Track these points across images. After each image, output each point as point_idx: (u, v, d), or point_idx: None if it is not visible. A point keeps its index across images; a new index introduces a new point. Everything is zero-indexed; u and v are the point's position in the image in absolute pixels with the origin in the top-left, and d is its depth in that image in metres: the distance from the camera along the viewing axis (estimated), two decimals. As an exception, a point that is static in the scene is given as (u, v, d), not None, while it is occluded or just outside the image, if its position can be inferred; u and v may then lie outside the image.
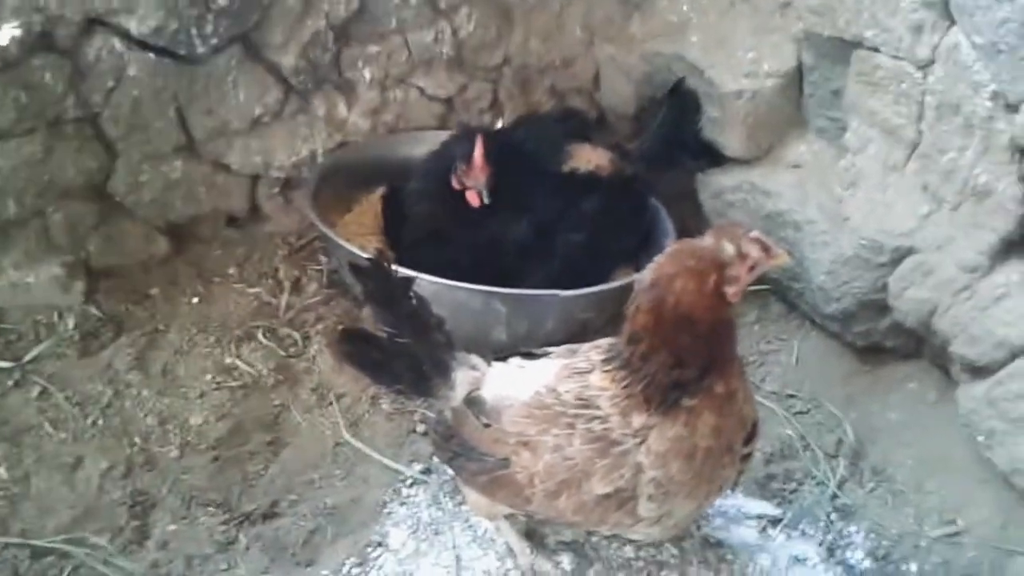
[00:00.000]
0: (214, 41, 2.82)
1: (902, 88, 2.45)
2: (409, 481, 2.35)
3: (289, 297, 2.91)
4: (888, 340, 2.64)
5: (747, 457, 1.98)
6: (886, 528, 2.30)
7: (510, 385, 1.97)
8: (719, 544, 2.22)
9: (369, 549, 2.17)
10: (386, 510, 2.27)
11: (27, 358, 2.54)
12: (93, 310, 2.72)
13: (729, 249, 1.77)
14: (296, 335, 2.77)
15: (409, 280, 2.01)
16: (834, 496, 2.38)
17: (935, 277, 2.38)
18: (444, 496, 2.31)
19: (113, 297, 2.79)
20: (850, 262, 2.57)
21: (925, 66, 2.38)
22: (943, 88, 2.33)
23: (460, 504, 2.28)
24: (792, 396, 2.68)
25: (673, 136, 3.06)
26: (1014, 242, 2.23)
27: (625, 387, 1.82)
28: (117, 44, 2.70)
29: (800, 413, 2.62)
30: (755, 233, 1.83)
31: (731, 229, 1.82)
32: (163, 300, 2.84)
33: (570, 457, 1.83)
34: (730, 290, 1.78)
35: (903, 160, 2.51)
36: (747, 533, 2.26)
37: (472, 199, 2.80)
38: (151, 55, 2.76)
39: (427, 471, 2.38)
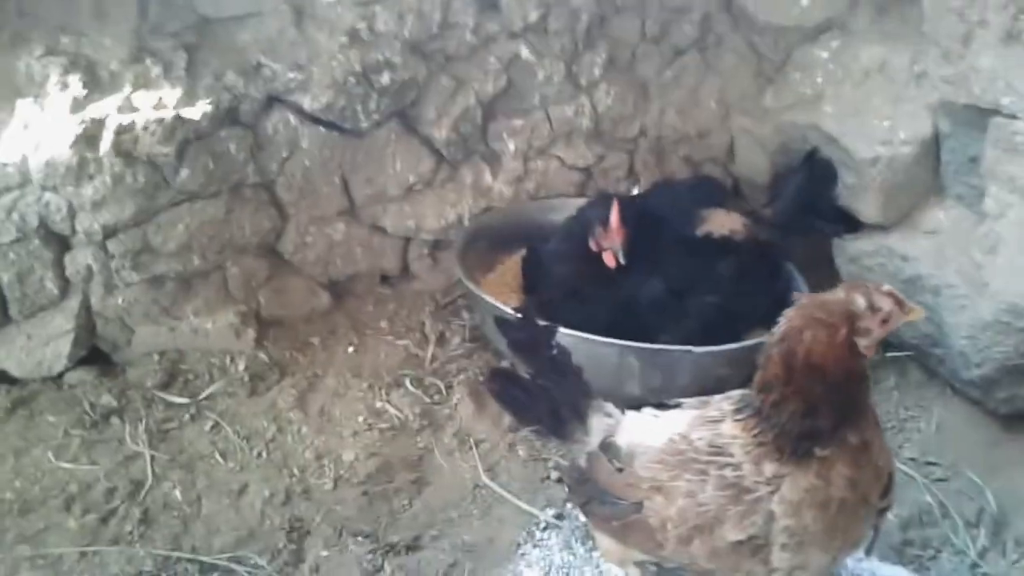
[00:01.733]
0: (376, 116, 3.12)
1: (1041, 153, 2.46)
2: (543, 525, 2.46)
3: (434, 349, 3.10)
4: (1032, 407, 2.59)
5: (883, 512, 1.99)
6: (1029, 602, 2.24)
7: (644, 432, 2.05)
8: (849, 606, 2.22)
9: (503, 586, 2.28)
10: (520, 551, 2.38)
11: (202, 395, 2.82)
12: (262, 355, 2.99)
13: (860, 301, 1.81)
14: (440, 384, 2.94)
15: (552, 329, 2.16)
16: (974, 565, 2.33)
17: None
18: (576, 541, 2.40)
19: (279, 344, 3.06)
20: (991, 327, 2.55)
21: (1063, 130, 2.39)
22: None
23: (591, 550, 2.36)
24: (931, 464, 2.64)
25: (808, 202, 3.13)
26: None
27: (756, 435, 1.88)
28: (292, 119, 3.02)
29: (939, 480, 2.59)
30: (888, 287, 1.87)
31: (863, 283, 1.87)
32: (322, 348, 3.09)
33: (703, 503, 1.88)
34: (862, 343, 1.81)
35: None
36: (880, 595, 2.25)
37: (608, 260, 2.94)
38: (321, 129, 3.07)
39: (560, 516, 2.47)
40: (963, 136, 2.76)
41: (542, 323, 2.18)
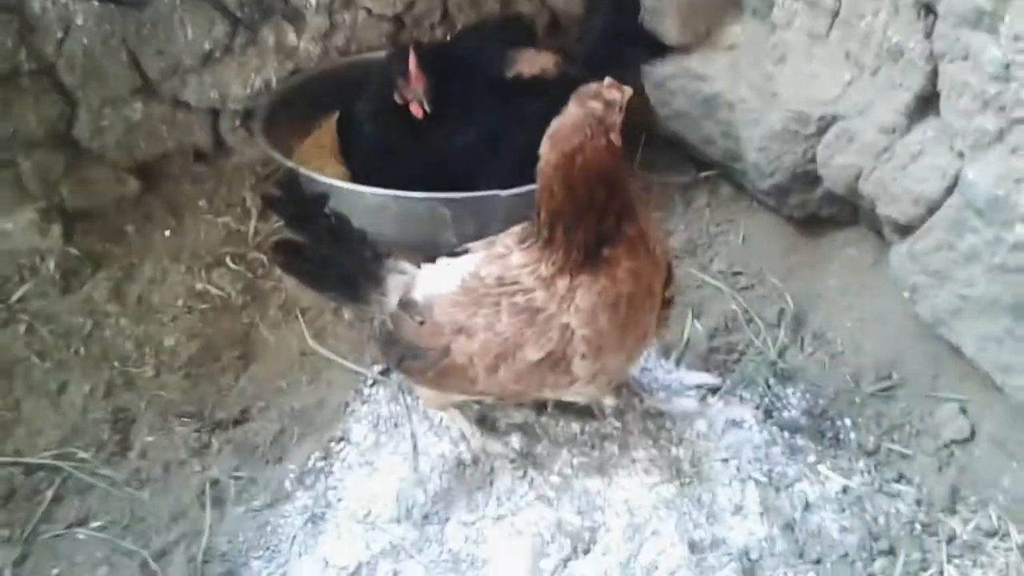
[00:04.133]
0: (153, -18, 2.92)
1: (818, -44, 2.48)
2: (370, 381, 2.50)
3: (256, 224, 3.04)
4: (824, 210, 2.72)
5: (669, 303, 2.11)
6: (823, 388, 2.42)
7: (438, 281, 2.09)
8: (659, 414, 2.35)
9: (332, 444, 2.33)
10: (349, 409, 2.43)
11: (13, 298, 2.72)
12: (72, 250, 2.88)
13: (596, 105, 1.87)
14: (263, 258, 2.90)
15: (321, 198, 2.11)
16: (773, 363, 2.49)
17: (858, 142, 2.44)
18: (402, 393, 2.45)
19: (90, 237, 2.95)
20: (779, 136, 2.63)
21: (835, -69, 2.40)
22: (855, -48, 2.36)
23: (417, 398, 2.43)
24: (738, 273, 2.78)
25: (614, 33, 3.11)
26: (927, 99, 2.27)
27: (546, 260, 1.94)
28: (60, -5, 2.80)
29: (744, 288, 2.73)
30: (606, 80, 1.93)
31: (586, 90, 1.91)
32: (137, 236, 3.00)
33: (501, 332, 1.96)
34: (614, 136, 1.88)
35: (826, 29, 2.54)
36: (687, 403, 2.38)
37: (415, 110, 2.89)
38: (95, 3, 2.85)
39: (386, 371, 2.52)
40: (753, -53, 2.76)
41: (308, 193, 2.13)
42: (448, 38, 3.47)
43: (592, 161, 1.86)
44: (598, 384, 2.08)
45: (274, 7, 3.20)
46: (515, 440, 2.29)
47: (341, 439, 2.35)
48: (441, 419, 2.36)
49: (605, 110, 1.86)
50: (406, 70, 2.81)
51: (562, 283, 1.93)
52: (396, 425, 2.38)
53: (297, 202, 2.11)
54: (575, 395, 2.17)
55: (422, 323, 2.06)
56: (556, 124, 1.91)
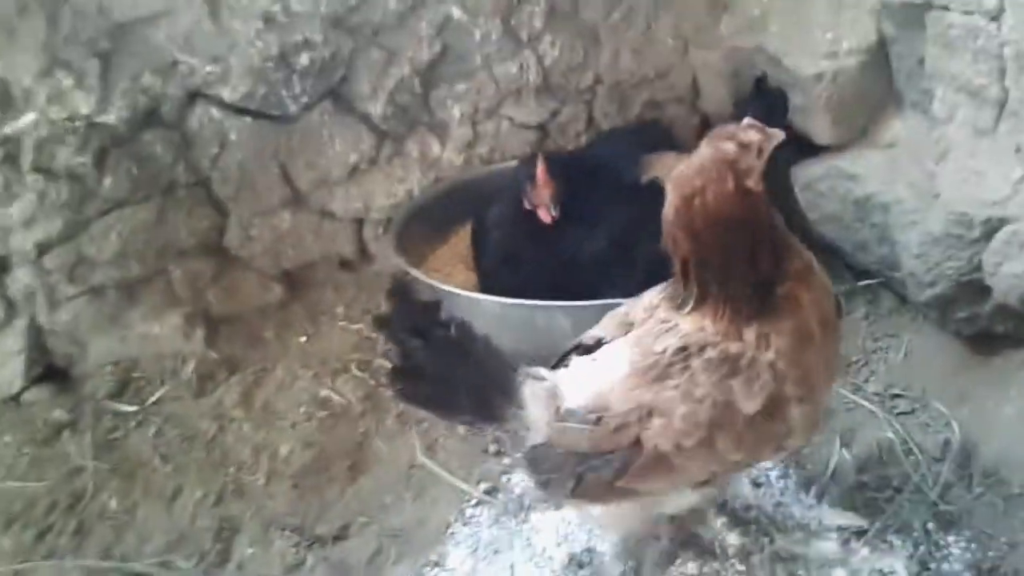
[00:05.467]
0: (304, 99, 3.04)
1: (978, 44, 2.20)
2: (474, 501, 2.36)
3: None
4: (996, 325, 2.34)
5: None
6: (994, 538, 2.02)
7: (594, 377, 1.85)
8: (792, 558, 2.04)
9: (427, 569, 2.19)
10: (449, 531, 2.29)
11: (150, 401, 2.82)
12: (212, 354, 2.97)
13: (729, 146, 1.72)
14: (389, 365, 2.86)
15: (435, 304, 1.91)
16: (934, 504, 2.13)
17: (1034, 248, 2.10)
18: (507, 515, 2.29)
19: (231, 342, 3.04)
20: (941, 241, 2.32)
21: (996, 16, 2.13)
22: (1018, 36, 2.08)
23: (522, 523, 2.26)
24: (897, 396, 2.44)
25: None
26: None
27: (716, 314, 1.76)
28: (216, 112, 2.96)
29: (903, 414, 2.38)
30: (746, 120, 1.77)
31: (720, 131, 1.77)
32: (276, 341, 3.05)
33: (704, 394, 1.73)
34: (750, 181, 1.72)
35: (992, 122, 2.25)
36: (827, 547, 2.06)
37: (543, 215, 2.80)
38: (248, 119, 3.01)
39: (492, 491, 2.38)
40: (909, 37, 2.51)
41: (421, 302, 1.93)
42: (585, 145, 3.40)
43: (713, 206, 1.71)
44: (804, 428, 1.82)
45: (419, 119, 3.26)
46: (626, 581, 2.06)
47: (436, 564, 2.20)
48: (544, 549, 2.17)
49: (738, 152, 1.71)
50: (534, 175, 2.74)
51: (749, 332, 1.74)
52: (496, 552, 2.21)
53: (410, 313, 1.89)
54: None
55: (598, 420, 1.79)
56: (681, 166, 1.77)
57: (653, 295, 1.92)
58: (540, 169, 2.74)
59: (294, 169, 3.15)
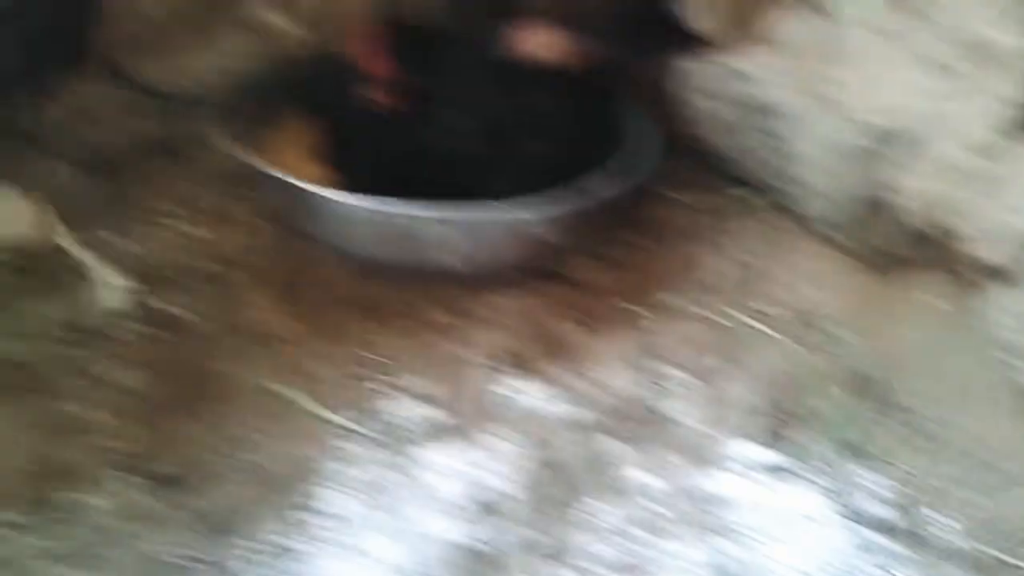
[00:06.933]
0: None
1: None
2: (341, 433, 2.09)
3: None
4: (896, 246, 2.30)
5: None
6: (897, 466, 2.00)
7: None
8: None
9: (296, 513, 1.92)
10: (317, 467, 2.02)
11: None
12: None
13: None
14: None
15: None
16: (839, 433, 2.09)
17: (938, 162, 2.04)
18: (382, 450, 2.05)
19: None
20: (839, 151, 2.23)
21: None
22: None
23: (404, 457, 2.03)
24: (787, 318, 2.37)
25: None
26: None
27: None
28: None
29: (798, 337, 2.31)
30: None
31: None
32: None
33: None
34: None
35: (897, 23, 2.14)
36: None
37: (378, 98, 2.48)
38: None
39: (362, 420, 2.11)
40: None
41: None
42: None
43: None
44: None
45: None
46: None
47: (305, 507, 1.93)
48: (437, 489, 1.95)
49: None
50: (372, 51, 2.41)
51: None
52: (378, 492, 1.96)
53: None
54: None
55: None
56: None
57: None
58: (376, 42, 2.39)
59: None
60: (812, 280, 2.44)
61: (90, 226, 2.56)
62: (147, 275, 2.46)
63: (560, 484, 1.95)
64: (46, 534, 1.86)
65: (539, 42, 2.61)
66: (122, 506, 1.92)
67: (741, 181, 2.67)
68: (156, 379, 2.20)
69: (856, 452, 2.03)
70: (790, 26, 2.47)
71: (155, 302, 2.39)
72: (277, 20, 2.85)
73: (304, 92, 2.82)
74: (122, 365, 2.22)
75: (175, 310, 2.38)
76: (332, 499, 1.95)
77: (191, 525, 1.90)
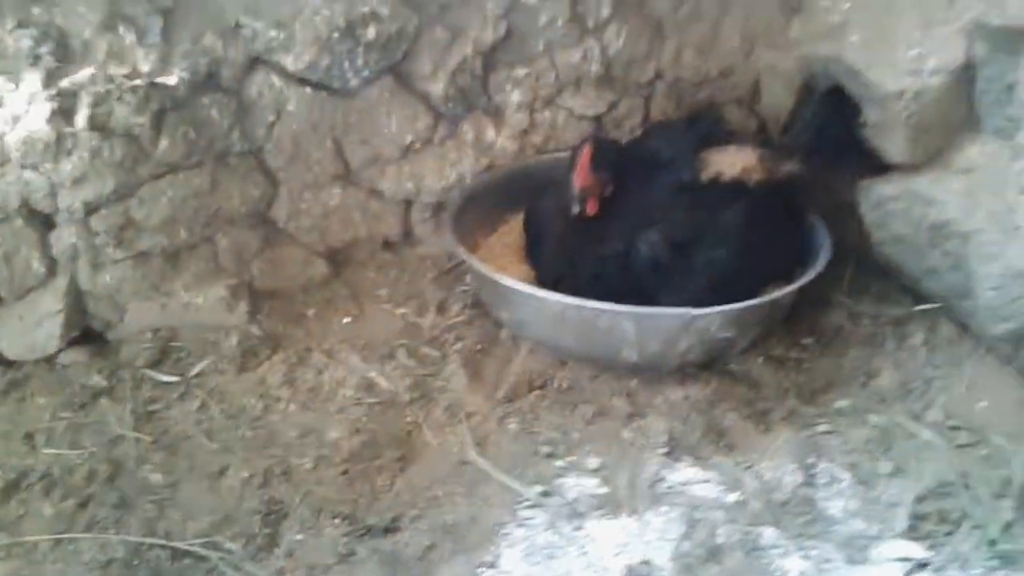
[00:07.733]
0: (366, 74, 2.96)
1: (1080, 78, 2.16)
2: (527, 503, 2.32)
3: (434, 317, 2.97)
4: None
5: None
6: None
7: None
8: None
9: (481, 569, 2.15)
10: (503, 531, 2.25)
11: (192, 373, 2.75)
12: (254, 329, 2.90)
13: None
14: (436, 354, 2.82)
15: None
16: (992, 542, 2.10)
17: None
18: (561, 520, 2.25)
19: (274, 317, 2.97)
20: (1021, 276, 2.28)
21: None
22: None
23: (577, 529, 2.22)
24: (955, 428, 2.40)
25: (826, 132, 2.86)
26: None
27: None
28: (276, 80, 2.88)
29: (963, 446, 2.35)
30: None
31: None
32: (317, 320, 2.98)
33: None
34: None
35: (1084, 160, 2.20)
36: (888, 579, 2.04)
37: (572, 208, 2.70)
38: (308, 90, 2.92)
39: (546, 494, 2.33)
40: (1000, 62, 2.46)
41: None
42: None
43: None
44: None
45: (477, 103, 3.19)
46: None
47: (491, 565, 2.16)
48: (600, 558, 2.14)
49: None
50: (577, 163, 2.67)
51: None
52: (551, 558, 2.17)
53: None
54: None
55: None
56: None
57: None
58: (584, 155, 2.66)
59: (348, 145, 3.08)
60: (985, 394, 2.46)
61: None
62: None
63: (718, 568, 2.07)
64: (266, 566, 2.19)
65: (729, 161, 2.82)
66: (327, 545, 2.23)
67: (924, 297, 2.73)
68: (371, 442, 2.53)
69: (1006, 559, 2.04)
70: (978, 154, 2.56)
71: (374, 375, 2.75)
72: (493, 136, 3.23)
73: (520, 199, 3.15)
74: (347, 430, 2.56)
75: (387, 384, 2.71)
76: (512, 560, 2.17)
77: (383, 568, 2.17)
